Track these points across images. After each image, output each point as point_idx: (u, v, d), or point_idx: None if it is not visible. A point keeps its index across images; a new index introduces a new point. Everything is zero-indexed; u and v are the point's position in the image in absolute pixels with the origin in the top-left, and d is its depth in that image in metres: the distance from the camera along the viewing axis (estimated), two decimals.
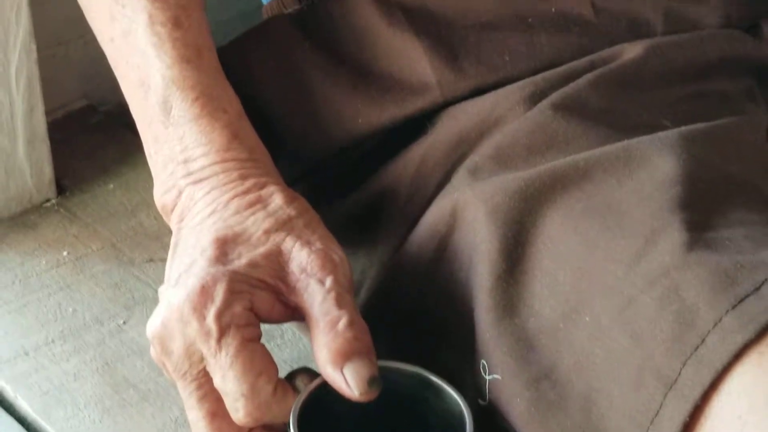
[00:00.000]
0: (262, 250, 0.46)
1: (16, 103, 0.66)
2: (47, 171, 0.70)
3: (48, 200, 0.72)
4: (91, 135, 0.80)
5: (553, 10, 0.54)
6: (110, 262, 0.67)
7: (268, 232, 0.47)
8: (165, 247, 0.50)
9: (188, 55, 0.51)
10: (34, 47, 0.65)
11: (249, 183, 0.49)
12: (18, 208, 0.70)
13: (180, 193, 0.50)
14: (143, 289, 0.66)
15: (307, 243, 0.46)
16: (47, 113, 0.69)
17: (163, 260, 0.50)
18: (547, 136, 0.49)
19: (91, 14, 0.56)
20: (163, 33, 0.51)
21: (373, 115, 0.54)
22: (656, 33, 0.54)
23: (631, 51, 0.52)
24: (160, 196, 0.51)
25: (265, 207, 0.48)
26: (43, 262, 0.67)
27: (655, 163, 0.45)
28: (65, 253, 0.68)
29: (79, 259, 0.67)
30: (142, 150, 0.53)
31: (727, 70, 0.54)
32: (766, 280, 0.39)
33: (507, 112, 0.51)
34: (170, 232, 0.50)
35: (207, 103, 0.51)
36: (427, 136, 0.53)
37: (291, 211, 0.48)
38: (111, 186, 0.74)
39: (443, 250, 0.49)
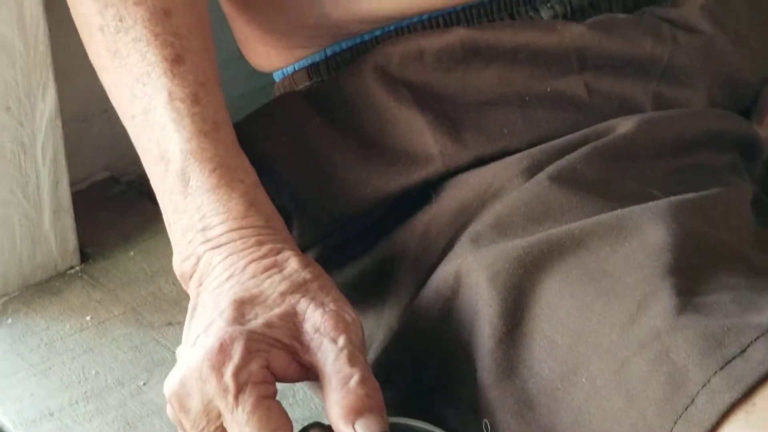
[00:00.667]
0: (278, 311, 0.46)
1: (42, 176, 0.67)
2: (71, 240, 0.72)
3: (72, 267, 0.73)
4: (113, 205, 0.82)
5: (549, 89, 0.56)
6: (131, 326, 0.69)
7: (283, 295, 0.47)
8: (183, 311, 0.51)
9: (206, 129, 0.52)
10: (59, 122, 0.67)
11: (265, 248, 0.49)
12: (44, 276, 0.71)
13: (198, 259, 0.51)
14: (162, 352, 0.67)
15: (321, 304, 0.47)
16: (71, 184, 0.71)
17: (182, 323, 0.51)
18: (544, 206, 0.50)
19: (114, 93, 0.57)
20: (182, 109, 0.52)
21: (381, 185, 0.55)
22: (646, 111, 0.56)
23: (624, 126, 0.54)
24: (180, 264, 0.52)
25: (281, 271, 0.48)
26: (68, 327, 0.68)
27: (647, 232, 0.47)
28: (88, 318, 0.69)
29: (101, 324, 0.69)
30: (161, 219, 0.54)
31: (713, 144, 0.56)
32: (751, 342, 0.40)
33: (506, 183, 0.53)
34: (188, 296, 0.51)
35: (224, 173, 0.52)
36: (432, 204, 0.55)
37: (306, 275, 0.48)
38: (132, 253, 0.76)
39: (447, 312, 0.50)
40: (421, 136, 0.55)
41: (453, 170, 0.55)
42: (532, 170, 0.53)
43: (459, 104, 0.56)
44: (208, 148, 0.52)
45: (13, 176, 0.66)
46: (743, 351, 0.39)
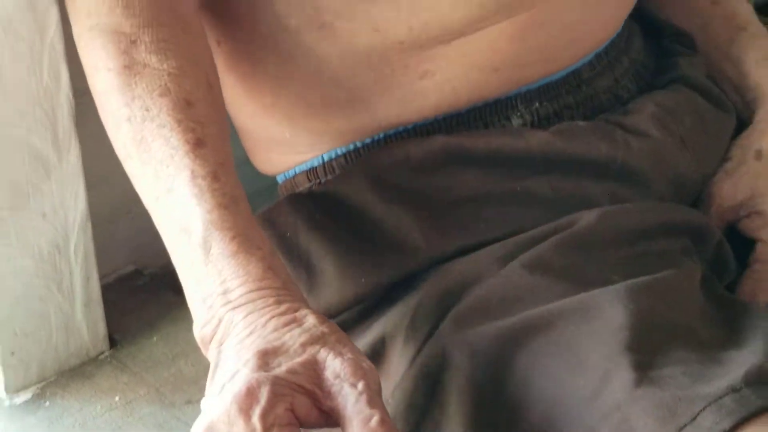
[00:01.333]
0: (299, 359, 0.47)
1: (74, 273, 0.70)
2: (101, 328, 0.75)
3: (102, 353, 0.76)
4: (138, 295, 0.84)
5: (519, 188, 0.59)
6: (154, 405, 0.71)
7: (304, 345, 0.48)
8: (202, 390, 0.51)
9: (225, 203, 0.53)
10: (89, 225, 0.70)
11: (284, 307, 0.50)
12: (77, 361, 0.74)
13: (220, 321, 0.51)
14: (183, 429, 0.69)
15: (340, 354, 0.47)
16: (100, 278, 0.74)
17: (200, 401, 0.51)
18: (518, 291, 0.54)
19: (138, 178, 0.58)
20: (203, 185, 0.53)
21: (374, 276, 0.58)
22: (604, 206, 0.59)
23: (585, 219, 0.57)
24: (201, 329, 0.52)
25: (300, 325, 0.49)
26: (99, 407, 0.71)
27: (607, 313, 0.50)
28: (117, 399, 0.72)
29: (128, 404, 0.72)
30: (180, 307, 0.56)
31: (665, 232, 0.59)
32: (700, 411, 0.43)
33: (484, 271, 0.56)
34: (206, 375, 0.50)
35: (243, 241, 0.52)
36: (420, 290, 0.58)
37: (324, 329, 0.49)
38: (155, 339, 0.79)
39: (434, 387, 0.53)
40: (409, 232, 0.58)
41: (438, 260, 0.58)
42: (506, 259, 0.56)
43: (441, 202, 0.59)
44: (228, 218, 0.53)
45: (49, 274, 0.69)
46: (694, 419, 0.43)
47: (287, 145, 0.65)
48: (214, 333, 0.51)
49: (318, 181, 0.63)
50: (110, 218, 0.83)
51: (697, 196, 0.67)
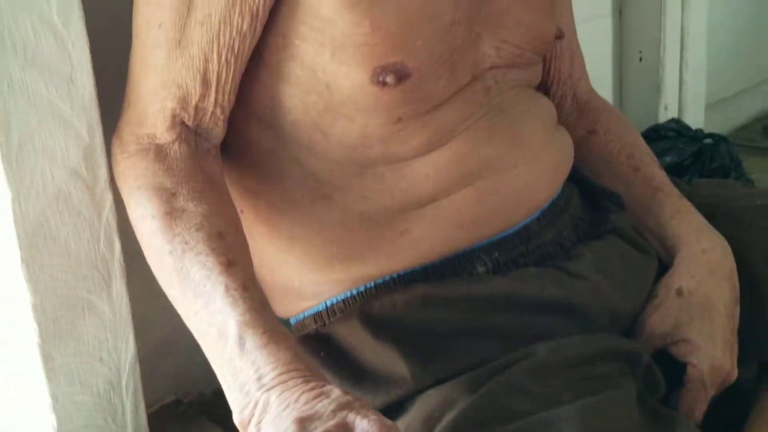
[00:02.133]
0: (332, 422, 0.52)
1: (126, 406, 0.77)
2: None
3: None
4: (179, 421, 0.91)
5: (485, 325, 0.67)
6: None
7: (334, 411, 0.53)
8: None
9: (255, 307, 0.60)
10: (137, 365, 0.78)
11: (312, 384, 0.55)
12: None
13: (256, 403, 0.55)
14: None
15: (366, 416, 0.52)
16: (147, 408, 0.80)
17: None
18: (487, 412, 0.61)
19: (179, 300, 0.63)
20: (236, 295, 0.60)
21: (368, 401, 0.64)
22: (555, 338, 0.66)
23: (541, 349, 0.64)
24: (239, 413, 0.56)
25: (328, 396, 0.54)
26: None
27: (565, 430, 0.58)
28: None
29: None
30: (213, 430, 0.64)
31: (605, 358, 0.66)
32: None
33: (459, 397, 0.63)
34: None
35: (272, 335, 0.58)
36: (407, 414, 0.65)
37: (349, 398, 0.54)
38: None
39: None
40: (397, 365, 0.66)
41: (421, 389, 0.65)
42: (477, 386, 0.63)
43: (423, 339, 0.67)
44: (258, 319, 0.59)
45: (105, 407, 0.76)
46: None
47: (297, 293, 0.74)
48: (252, 415, 0.55)
49: (322, 323, 0.72)
50: (154, 357, 0.90)
51: (630, 326, 0.75)
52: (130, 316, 0.78)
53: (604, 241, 0.77)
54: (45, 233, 0.71)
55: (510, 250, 0.72)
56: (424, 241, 0.70)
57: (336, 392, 0.55)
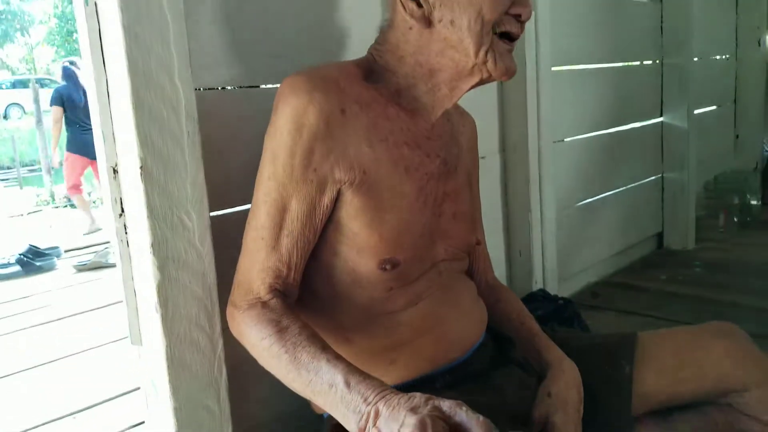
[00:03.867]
0: (428, 406, 0.78)
1: None
2: None
3: None
4: None
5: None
6: None
7: (427, 401, 0.79)
8: None
9: (349, 365, 0.88)
10: None
11: (400, 394, 0.80)
12: None
13: (368, 414, 0.80)
14: None
15: (458, 404, 0.79)
16: None
17: None
18: None
19: (295, 380, 0.91)
20: (335, 362, 0.89)
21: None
22: None
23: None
24: (356, 426, 0.81)
25: (417, 397, 0.79)
26: None
27: None
28: None
29: None
30: None
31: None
32: None
33: None
34: None
35: (365, 376, 0.86)
36: None
37: (431, 396, 0.82)
38: None
39: None
40: None
41: None
42: None
43: None
44: (354, 369, 0.87)
45: None
46: None
47: None
48: (366, 422, 0.80)
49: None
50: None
51: (524, 418, 1.09)
52: (229, 413, 1.20)
53: (507, 368, 1.15)
54: (183, 364, 1.16)
55: (455, 374, 1.09)
56: (405, 367, 1.08)
57: (419, 395, 0.81)
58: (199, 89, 1.23)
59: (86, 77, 1.15)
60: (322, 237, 1.07)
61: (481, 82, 1.08)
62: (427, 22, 1.05)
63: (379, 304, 1.07)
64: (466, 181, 1.23)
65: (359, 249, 1.05)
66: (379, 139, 1.05)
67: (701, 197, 3.61)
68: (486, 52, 1.03)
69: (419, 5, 1.05)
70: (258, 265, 1.03)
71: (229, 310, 1.06)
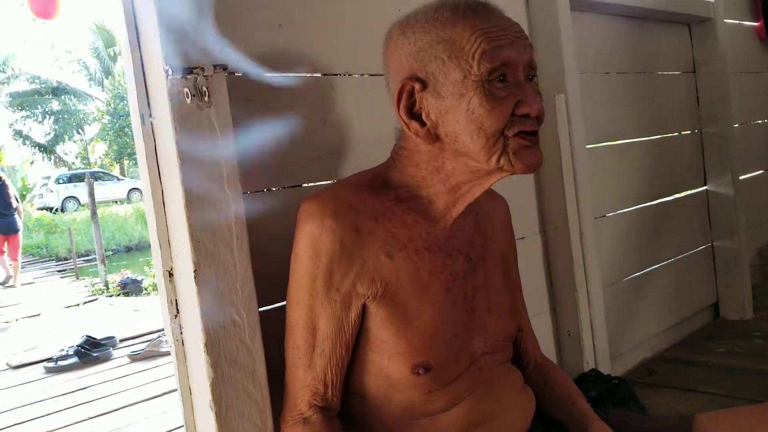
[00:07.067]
0: None
1: None
2: None
3: None
4: None
5: None
6: None
7: None
8: None
9: None
10: None
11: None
12: None
13: None
14: None
15: None
16: None
17: None
18: None
19: None
20: None
21: None
22: None
23: None
24: None
25: None
26: None
27: None
28: None
29: None
30: None
31: None
32: None
33: None
34: None
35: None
36: None
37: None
38: None
39: None
40: None
41: None
42: None
43: None
44: None
45: None
46: None
47: None
48: None
49: None
50: None
51: None
52: None
53: None
54: None
55: None
56: None
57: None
58: (247, 192, 1.30)
59: (143, 188, 1.24)
60: (354, 354, 1.14)
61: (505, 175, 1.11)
62: (434, 137, 1.07)
63: (419, 406, 1.12)
64: (498, 268, 1.26)
65: (390, 355, 1.11)
66: (398, 248, 1.10)
67: (756, 264, 3.54)
68: (499, 158, 1.03)
69: (422, 124, 1.07)
70: (298, 382, 1.12)
71: (281, 424, 1.14)
